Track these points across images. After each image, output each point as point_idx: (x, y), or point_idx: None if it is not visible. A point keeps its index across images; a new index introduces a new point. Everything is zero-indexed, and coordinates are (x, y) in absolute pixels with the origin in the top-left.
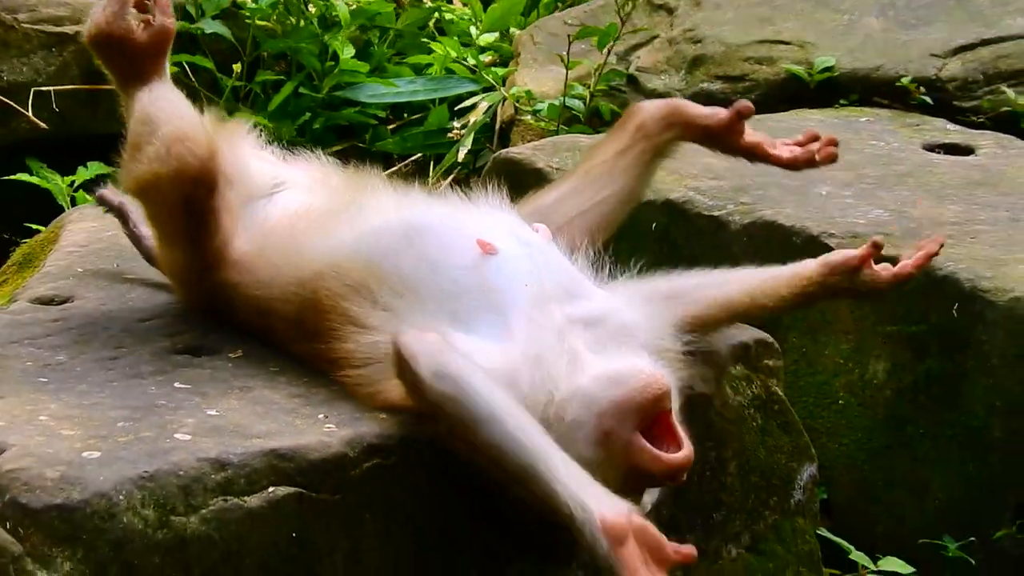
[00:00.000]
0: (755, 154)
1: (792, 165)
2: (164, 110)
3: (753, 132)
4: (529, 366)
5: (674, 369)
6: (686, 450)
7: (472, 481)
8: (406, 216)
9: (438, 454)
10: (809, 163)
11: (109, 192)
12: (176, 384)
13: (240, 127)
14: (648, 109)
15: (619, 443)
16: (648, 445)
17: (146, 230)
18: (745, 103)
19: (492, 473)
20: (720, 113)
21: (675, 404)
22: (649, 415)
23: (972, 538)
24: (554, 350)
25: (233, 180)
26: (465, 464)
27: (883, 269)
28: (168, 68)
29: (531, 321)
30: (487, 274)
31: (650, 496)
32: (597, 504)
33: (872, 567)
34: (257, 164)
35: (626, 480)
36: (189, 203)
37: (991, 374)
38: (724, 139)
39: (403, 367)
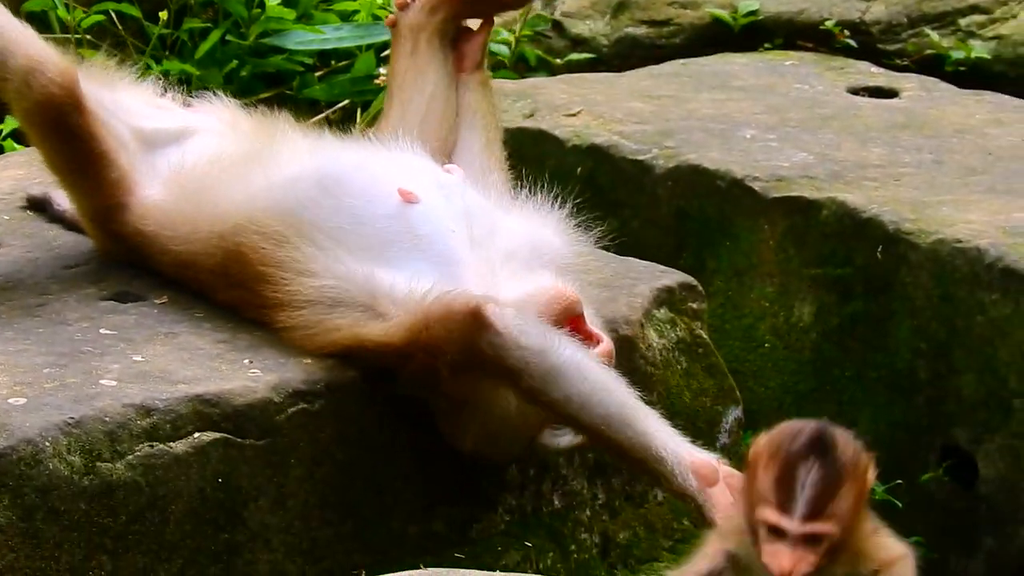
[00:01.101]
0: None
1: None
2: (11, 38)
3: None
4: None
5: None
6: (605, 344)
7: (398, 427)
8: (320, 164)
9: (363, 400)
10: None
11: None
12: (102, 330)
13: (126, 75)
14: (406, 10)
15: None
16: None
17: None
18: None
19: (573, 423)
20: None
21: (587, 308)
22: (560, 325)
23: (899, 481)
24: (490, 289)
25: (123, 126)
26: (391, 410)
27: None
28: None
29: (475, 270)
30: (413, 223)
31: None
32: (687, 450)
33: None
34: (155, 112)
35: None
36: (65, 135)
37: (916, 316)
38: None
39: (483, 326)
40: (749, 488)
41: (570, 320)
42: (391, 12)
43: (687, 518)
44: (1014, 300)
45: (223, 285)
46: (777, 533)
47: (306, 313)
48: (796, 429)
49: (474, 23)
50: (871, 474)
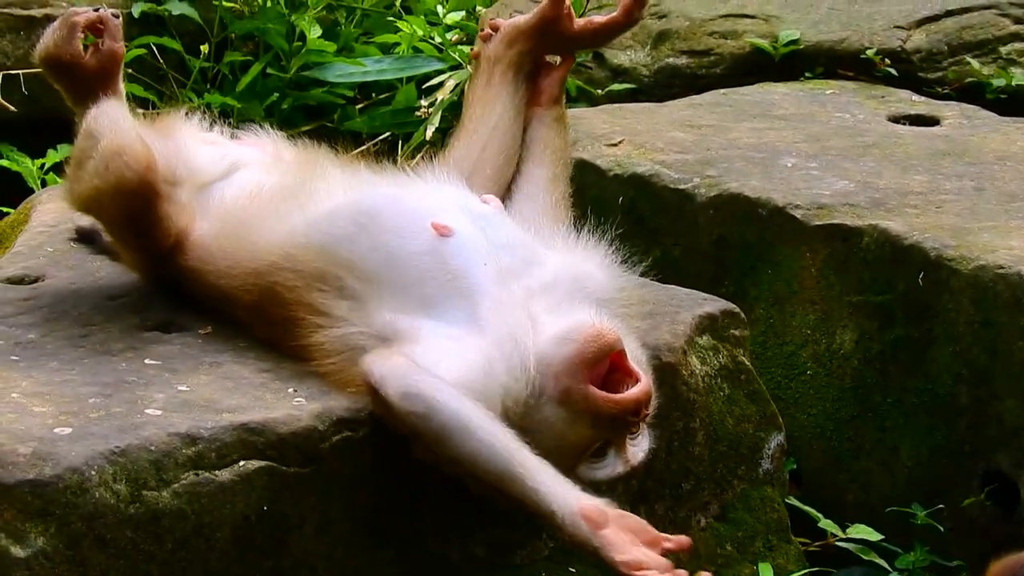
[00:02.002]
0: (588, 30)
1: (626, 19)
2: (105, 125)
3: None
4: (503, 350)
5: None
6: (643, 384)
7: None
8: (354, 199)
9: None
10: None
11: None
12: (146, 360)
13: (179, 116)
14: (488, 42)
15: (578, 396)
16: (600, 391)
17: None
18: None
19: (471, 482)
20: (540, 5)
21: (629, 345)
22: (599, 363)
23: (940, 505)
24: (522, 326)
25: (181, 177)
26: None
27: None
28: (122, 86)
29: (497, 303)
30: (446, 257)
31: (641, 450)
32: (575, 497)
33: (841, 535)
34: (206, 149)
35: (596, 430)
36: (132, 216)
37: (957, 342)
38: (559, 29)
39: (372, 391)
40: None
41: (612, 357)
42: (431, 43)
43: (730, 544)
44: None
45: (259, 322)
46: None
47: (335, 360)
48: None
49: (554, 58)
50: None
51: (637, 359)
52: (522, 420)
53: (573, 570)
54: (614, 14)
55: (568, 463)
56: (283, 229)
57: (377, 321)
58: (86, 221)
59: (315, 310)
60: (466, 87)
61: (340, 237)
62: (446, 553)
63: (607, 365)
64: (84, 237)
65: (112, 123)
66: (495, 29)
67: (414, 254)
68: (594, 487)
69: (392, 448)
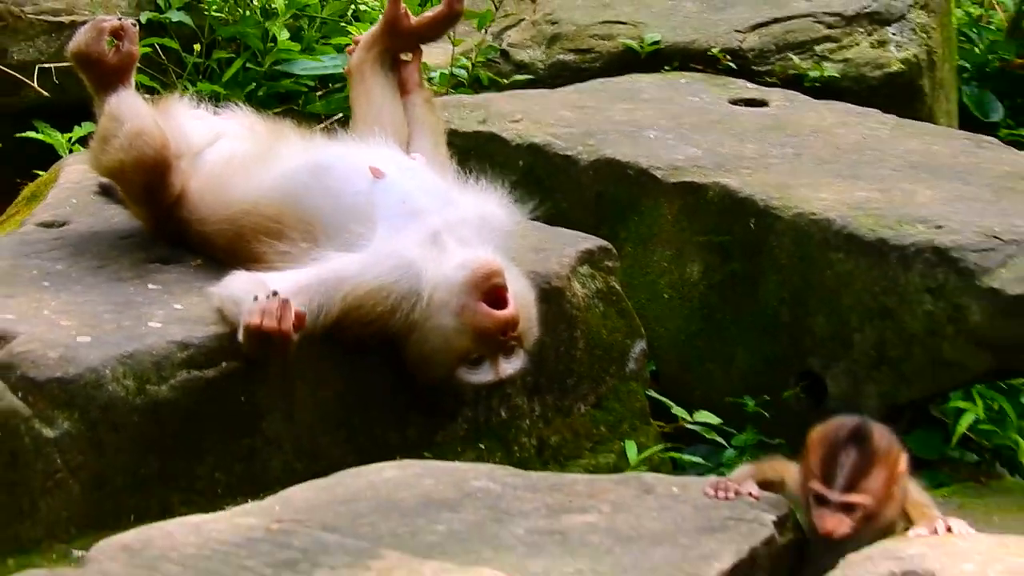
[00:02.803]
0: (423, 24)
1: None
2: (127, 111)
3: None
4: (384, 261)
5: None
6: (511, 310)
7: (381, 358)
8: (312, 157)
9: (353, 338)
10: (451, 5)
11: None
12: (150, 285)
13: (175, 99)
14: (354, 52)
15: (469, 311)
16: (484, 306)
17: None
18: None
19: None
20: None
21: (513, 281)
22: (486, 288)
23: (767, 397)
24: (422, 247)
25: (182, 150)
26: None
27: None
28: (133, 80)
29: (395, 227)
30: (375, 196)
31: (511, 367)
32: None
33: (689, 419)
34: (196, 124)
35: (475, 343)
36: (148, 183)
37: (780, 272)
38: (400, 27)
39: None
40: (804, 467)
41: (496, 287)
42: None
43: (603, 426)
44: (855, 259)
45: (233, 259)
46: (822, 501)
47: None
48: (841, 423)
49: (408, 54)
50: (902, 463)
51: (517, 292)
52: (420, 322)
53: (482, 446)
54: (439, 8)
55: (451, 364)
56: (252, 184)
57: (314, 256)
58: (106, 180)
59: (275, 249)
60: (349, 95)
61: (298, 186)
62: (386, 437)
63: (493, 294)
64: (104, 191)
65: (132, 109)
66: (356, 43)
67: (354, 194)
68: (468, 389)
69: (343, 350)
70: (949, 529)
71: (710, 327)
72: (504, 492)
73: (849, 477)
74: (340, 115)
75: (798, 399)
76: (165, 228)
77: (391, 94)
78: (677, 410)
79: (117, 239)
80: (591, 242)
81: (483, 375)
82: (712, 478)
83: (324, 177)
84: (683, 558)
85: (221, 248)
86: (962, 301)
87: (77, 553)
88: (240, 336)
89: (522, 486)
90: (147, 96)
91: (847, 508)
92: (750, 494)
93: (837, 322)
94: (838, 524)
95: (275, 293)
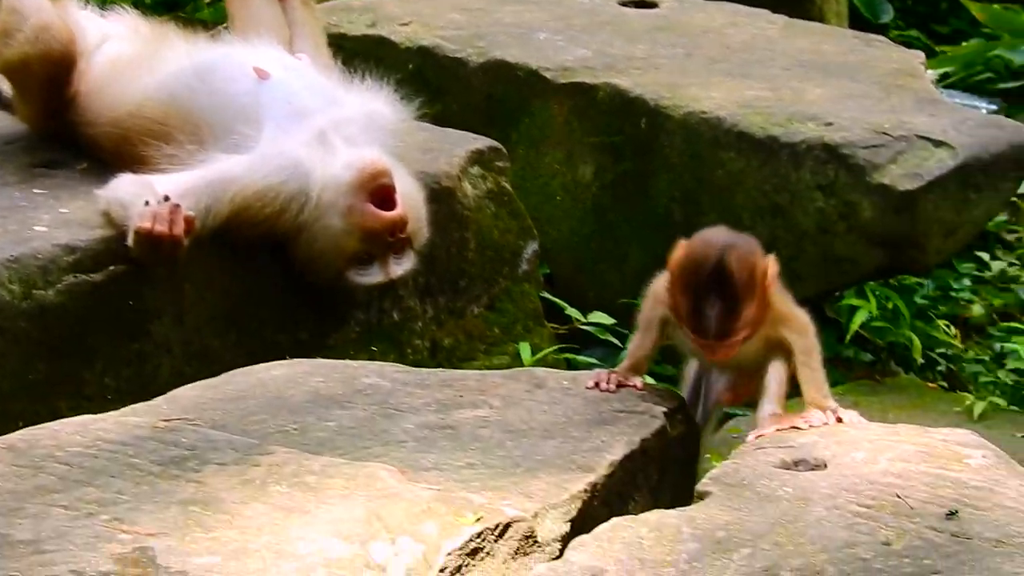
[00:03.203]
0: None
1: None
2: (30, 4)
3: None
4: (271, 161)
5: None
6: (399, 210)
7: (272, 259)
8: (197, 59)
9: (242, 239)
10: None
11: None
12: (35, 190)
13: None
14: None
15: (356, 212)
16: (372, 207)
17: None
18: None
19: None
20: None
21: (401, 182)
22: (372, 188)
23: None
24: (308, 146)
25: (82, 48)
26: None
27: None
28: None
29: (281, 128)
30: (261, 96)
31: (400, 267)
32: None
33: (583, 320)
34: (86, 23)
35: (363, 244)
36: (53, 78)
37: (671, 171)
38: None
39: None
40: (672, 292)
41: (384, 187)
42: None
43: (497, 327)
44: (745, 157)
45: (119, 162)
46: (699, 340)
47: None
48: (701, 258)
49: None
50: (770, 273)
51: (405, 192)
52: (309, 223)
53: (375, 348)
54: None
55: (340, 265)
56: (138, 86)
57: (202, 158)
58: None
59: (161, 151)
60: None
61: (184, 88)
62: (278, 339)
63: (381, 194)
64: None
65: (35, 3)
66: None
67: (239, 94)
68: (359, 290)
69: (233, 252)
70: (840, 420)
71: (603, 228)
72: (394, 388)
73: (720, 326)
74: (227, 24)
75: None
76: (51, 130)
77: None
78: (571, 311)
79: (2, 144)
80: (481, 142)
81: (372, 276)
82: (594, 371)
83: (209, 78)
84: (574, 450)
85: (108, 151)
86: (853, 198)
87: None
88: (130, 240)
89: (412, 382)
90: None
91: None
92: (635, 386)
93: (729, 220)
94: (721, 354)
95: (166, 198)
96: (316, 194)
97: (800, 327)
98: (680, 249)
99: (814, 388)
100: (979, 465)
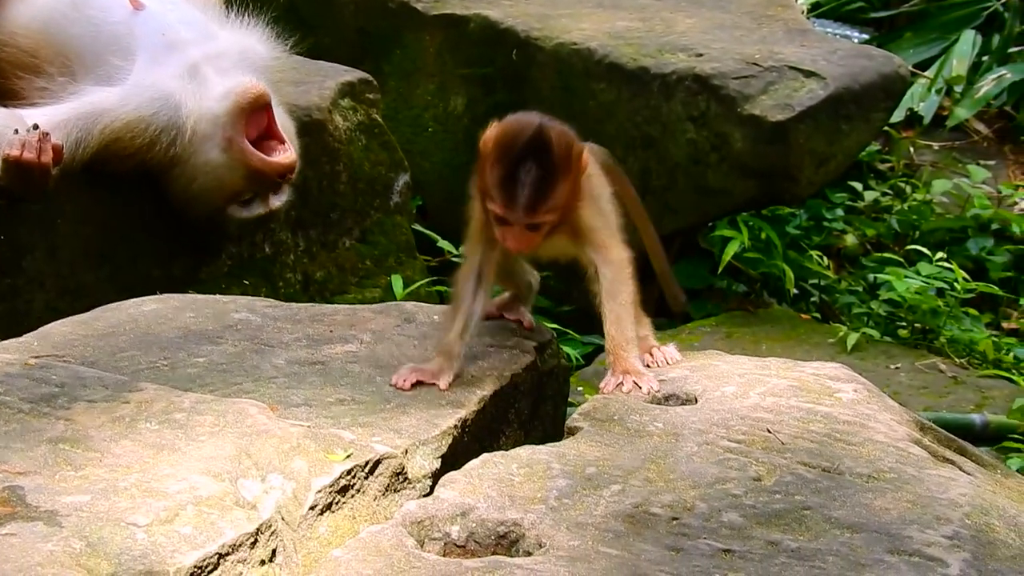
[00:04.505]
0: None
1: None
2: None
3: None
4: (142, 93)
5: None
6: (291, 153)
7: (145, 194)
8: None
9: (115, 173)
10: None
11: None
12: None
13: None
14: None
15: (237, 148)
16: (257, 152)
17: None
18: None
19: None
20: None
21: (280, 116)
22: (253, 114)
23: None
24: (181, 79)
25: None
26: (143, 179)
27: None
28: None
29: (154, 60)
30: (134, 28)
31: (279, 199)
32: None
33: (455, 252)
34: None
35: (248, 183)
36: None
37: (544, 103)
38: None
39: None
40: (481, 178)
41: (266, 119)
42: None
43: (369, 260)
44: (616, 88)
45: None
46: (505, 221)
47: None
48: (517, 129)
49: None
50: (585, 161)
51: (285, 127)
52: (184, 157)
53: (247, 282)
54: None
55: (221, 203)
56: (9, 16)
57: (73, 91)
58: None
59: (32, 84)
60: None
61: (57, 16)
62: (151, 273)
63: (264, 122)
64: None
65: None
66: None
67: (112, 24)
68: (236, 223)
69: (106, 187)
70: (652, 355)
71: (475, 160)
72: (265, 324)
73: (531, 199)
74: None
75: None
76: None
77: None
78: (443, 243)
79: None
80: (352, 74)
81: (254, 209)
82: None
83: (83, 7)
84: None
85: None
86: (724, 129)
87: None
88: None
89: (283, 317)
90: None
91: (532, 227)
92: (438, 386)
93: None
94: (524, 243)
95: (35, 127)
96: (190, 127)
97: (613, 258)
98: (495, 127)
99: (617, 331)
100: (850, 399)
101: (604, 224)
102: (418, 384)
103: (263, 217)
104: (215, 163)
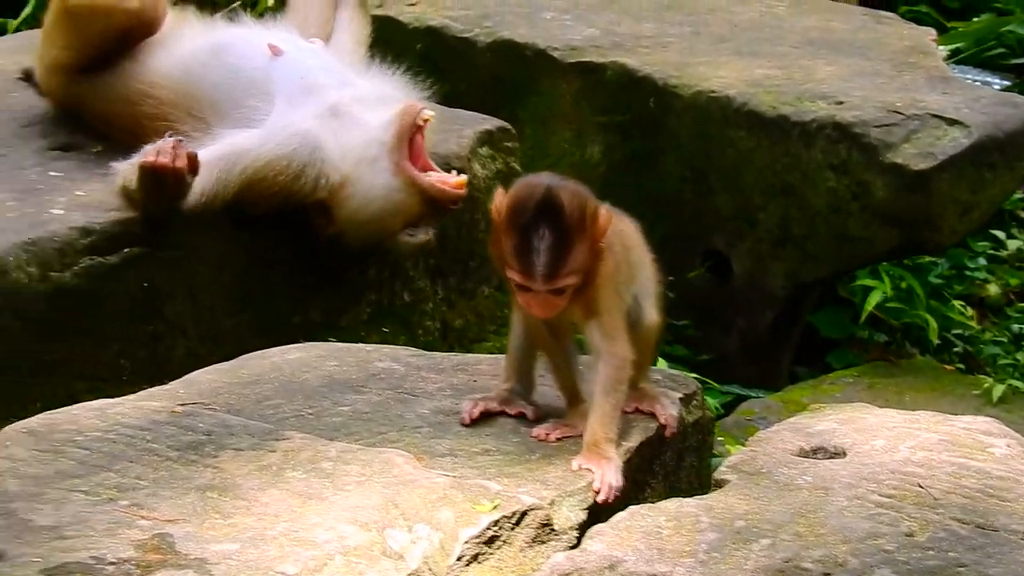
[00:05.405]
0: None
1: None
2: None
3: None
4: (281, 131)
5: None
6: (463, 177)
7: (284, 239)
8: (213, 37)
9: (259, 217)
10: None
11: None
12: (51, 173)
13: None
14: None
15: (406, 176)
16: (428, 178)
17: None
18: None
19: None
20: None
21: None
22: (414, 135)
23: (671, 277)
24: (320, 118)
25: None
26: (280, 224)
27: None
28: None
29: (292, 102)
30: (272, 72)
31: (430, 231)
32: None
33: None
34: None
35: (423, 208)
36: (123, 33)
37: (681, 151)
38: None
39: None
40: (496, 246)
41: (417, 138)
42: None
43: (507, 308)
44: (755, 136)
45: (132, 139)
46: (527, 289)
47: None
48: (527, 194)
49: None
50: (602, 220)
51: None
52: (347, 187)
53: (386, 329)
54: None
55: (393, 230)
56: (152, 64)
57: (211, 137)
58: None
59: (172, 131)
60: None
61: (198, 65)
62: (291, 319)
63: (418, 152)
64: (27, 77)
65: None
66: None
67: (251, 70)
68: (405, 252)
69: (246, 233)
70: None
71: (614, 207)
72: (408, 373)
73: (549, 266)
74: (238, 3)
75: (704, 278)
76: (67, 103)
77: None
78: None
79: (18, 127)
80: (490, 123)
81: (421, 236)
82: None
83: (223, 55)
84: None
85: (119, 129)
86: (866, 177)
87: None
88: (135, 181)
89: (426, 367)
90: None
91: (555, 292)
92: (507, 414)
93: (740, 200)
94: (548, 309)
95: (171, 134)
96: (339, 160)
97: (617, 353)
98: (504, 194)
99: (600, 427)
100: (1003, 454)
101: (617, 307)
102: (563, 438)
103: (425, 246)
104: (387, 185)
